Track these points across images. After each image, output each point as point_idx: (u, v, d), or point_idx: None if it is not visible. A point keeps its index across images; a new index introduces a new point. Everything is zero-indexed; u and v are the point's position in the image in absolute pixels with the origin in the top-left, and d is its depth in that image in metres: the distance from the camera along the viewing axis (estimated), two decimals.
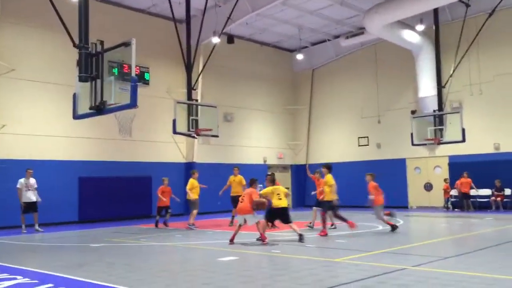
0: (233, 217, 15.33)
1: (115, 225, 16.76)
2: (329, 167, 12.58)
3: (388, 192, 23.02)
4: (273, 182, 11.49)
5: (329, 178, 12.28)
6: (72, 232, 14.91)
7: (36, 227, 14.91)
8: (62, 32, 9.74)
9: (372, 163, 24.06)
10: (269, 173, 14.60)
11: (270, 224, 11.70)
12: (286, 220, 11.10)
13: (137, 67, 19.14)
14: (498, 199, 19.75)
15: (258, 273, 7.32)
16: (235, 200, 15.34)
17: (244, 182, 15.57)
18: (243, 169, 23.01)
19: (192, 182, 15.20)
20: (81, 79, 9.82)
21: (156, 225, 15.46)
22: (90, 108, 9.92)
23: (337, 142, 25.82)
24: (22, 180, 14.94)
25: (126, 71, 10.30)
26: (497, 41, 20.44)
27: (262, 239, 10.61)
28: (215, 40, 19.82)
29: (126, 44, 9.54)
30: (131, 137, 19.82)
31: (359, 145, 24.94)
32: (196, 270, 7.62)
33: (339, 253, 9.05)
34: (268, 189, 11.23)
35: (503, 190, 19.81)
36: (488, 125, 20.58)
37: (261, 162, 25.08)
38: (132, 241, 11.90)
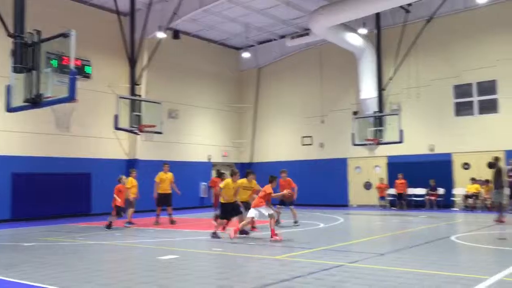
0: (157, 215, 14.98)
1: (51, 223, 16.09)
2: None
3: (330, 191, 23.81)
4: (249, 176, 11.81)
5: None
6: (3, 230, 14.16)
7: None
8: None
9: (315, 162, 24.56)
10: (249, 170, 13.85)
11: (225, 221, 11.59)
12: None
13: (78, 60, 18.66)
14: (432, 198, 20.69)
15: (198, 271, 7.25)
16: (162, 198, 15.10)
17: (173, 179, 15.28)
18: (188, 166, 22.91)
19: (131, 181, 14.84)
20: (16, 70, 9.37)
21: (109, 226, 14.08)
22: (25, 101, 9.49)
23: (281, 141, 26.11)
24: None
25: (66, 63, 9.95)
26: (434, 47, 21.39)
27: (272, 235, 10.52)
28: (161, 35, 19.48)
29: (65, 35, 9.18)
30: (69, 132, 19.10)
31: (303, 144, 25.34)
32: (134, 269, 7.46)
33: (280, 251, 9.14)
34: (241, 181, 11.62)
35: (437, 190, 20.77)
36: (424, 127, 21.52)
37: (206, 160, 24.93)
38: (69, 240, 11.47)
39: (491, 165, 14.66)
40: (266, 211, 10.77)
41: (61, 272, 7.15)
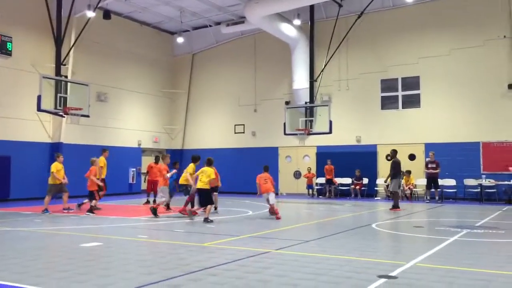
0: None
1: None
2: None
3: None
4: (209, 164, 12.36)
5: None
6: None
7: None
8: None
9: (247, 150, 24.72)
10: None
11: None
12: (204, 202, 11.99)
13: None
14: (357, 187, 21.52)
15: (122, 258, 7.07)
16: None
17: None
18: (117, 152, 22.19)
19: (56, 165, 14.13)
20: None
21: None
22: None
23: (214, 129, 26.02)
24: None
25: None
26: (363, 41, 22.14)
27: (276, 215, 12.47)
28: (90, 14, 18.69)
29: None
30: None
31: (235, 132, 25.41)
32: (54, 257, 7.15)
33: (208, 238, 9.13)
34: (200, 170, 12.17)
35: (362, 179, 21.64)
36: (352, 119, 22.29)
37: (136, 146, 24.35)
38: None
39: (391, 157, 15.90)
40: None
41: None
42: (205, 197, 11.99)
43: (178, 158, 25.46)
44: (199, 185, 11.92)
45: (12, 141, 18.81)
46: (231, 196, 21.43)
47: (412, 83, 21.24)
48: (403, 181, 20.46)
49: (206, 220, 11.53)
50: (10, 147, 18.67)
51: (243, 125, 25.27)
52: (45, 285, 5.31)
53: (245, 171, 24.29)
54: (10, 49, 18.71)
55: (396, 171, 15.36)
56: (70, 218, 12.69)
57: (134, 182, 23.70)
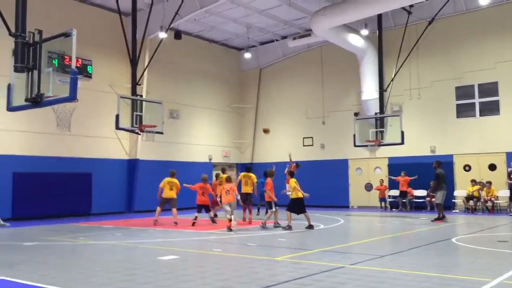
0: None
1: (52, 223, 16.09)
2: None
3: (330, 192, 23.76)
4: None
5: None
6: (4, 229, 14.16)
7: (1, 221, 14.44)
8: None
9: (316, 163, 24.52)
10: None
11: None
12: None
13: (79, 60, 18.71)
14: (433, 199, 20.58)
15: (199, 271, 7.25)
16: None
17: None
18: (188, 167, 22.83)
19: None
20: (17, 69, 9.36)
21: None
22: (26, 100, 9.47)
23: (282, 142, 26.08)
24: None
25: (67, 63, 9.97)
26: (435, 48, 21.37)
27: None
28: (162, 35, 19.51)
29: (67, 35, 9.18)
30: (70, 131, 19.07)
31: (304, 145, 25.33)
32: (135, 269, 7.44)
33: (280, 252, 9.13)
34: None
35: None
36: (425, 129, 21.50)
37: (207, 160, 24.93)
38: (69, 239, 11.47)
39: (434, 169, 15.99)
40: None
41: (61, 272, 7.15)
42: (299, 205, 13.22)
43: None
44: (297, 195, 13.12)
45: (93, 159, 19.93)
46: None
47: (490, 89, 20.17)
48: (483, 193, 19.45)
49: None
50: (91, 164, 19.78)
51: (312, 137, 25.14)
52: None
53: (314, 184, 24.06)
54: (90, 72, 19.93)
55: (439, 183, 15.45)
56: (148, 231, 13.18)
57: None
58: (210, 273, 7.08)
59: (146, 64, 20.13)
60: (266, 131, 18.35)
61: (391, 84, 21.30)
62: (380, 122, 20.47)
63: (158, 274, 6.95)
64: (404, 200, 21.01)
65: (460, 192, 20.51)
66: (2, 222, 14.39)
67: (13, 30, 9.36)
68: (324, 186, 23.90)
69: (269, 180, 13.82)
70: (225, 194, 13.05)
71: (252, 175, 15.55)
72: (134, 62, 19.06)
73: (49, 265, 7.76)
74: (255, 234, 12.21)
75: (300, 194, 13.07)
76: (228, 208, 12.84)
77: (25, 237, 12.15)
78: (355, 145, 20.59)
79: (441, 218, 15.19)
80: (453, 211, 20.14)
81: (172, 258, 8.36)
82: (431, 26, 19.91)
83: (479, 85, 20.40)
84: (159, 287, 6.04)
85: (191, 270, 7.33)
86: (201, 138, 24.89)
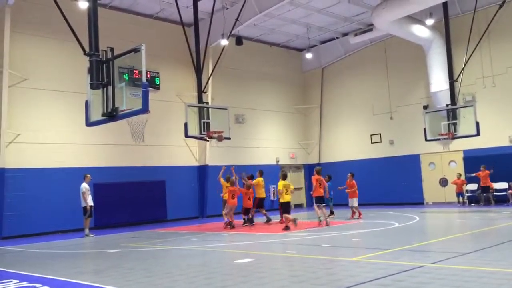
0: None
1: (131, 230, 16.85)
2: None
3: (403, 189, 23.07)
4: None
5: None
6: (88, 238, 14.99)
7: (87, 231, 15.35)
8: (72, 40, 9.82)
9: (385, 160, 23.94)
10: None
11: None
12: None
13: (147, 72, 19.44)
14: None
15: (275, 274, 7.29)
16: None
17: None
18: (256, 169, 23.03)
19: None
20: (93, 87, 9.89)
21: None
22: (103, 115, 9.98)
23: (349, 140, 25.69)
24: (86, 185, 15.35)
25: (137, 76, 10.38)
26: (509, 32, 20.19)
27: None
28: (224, 42, 19.85)
29: (136, 50, 9.60)
30: (144, 142, 19.84)
31: (372, 142, 24.79)
32: (213, 273, 7.62)
33: (356, 252, 8.99)
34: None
35: None
36: (502, 118, 20.34)
37: (274, 163, 25.04)
38: (149, 245, 11.94)
39: None
40: None
41: (145, 277, 7.46)
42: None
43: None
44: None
45: (166, 166, 20.64)
46: (373, 208, 20.85)
47: None
48: None
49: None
50: (164, 172, 20.50)
51: (379, 134, 24.55)
52: None
53: (385, 181, 23.54)
54: (158, 83, 20.68)
55: None
56: (222, 235, 13.45)
57: (275, 198, 24.31)
58: (286, 275, 7.10)
59: (210, 71, 20.55)
60: (220, 138, 17.29)
61: (461, 74, 20.32)
62: (452, 114, 19.57)
63: (235, 277, 7.08)
64: (486, 194, 19.92)
65: None
66: (88, 233, 15.26)
67: (87, 49, 9.92)
68: (396, 183, 23.26)
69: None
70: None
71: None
72: (198, 70, 19.50)
73: (133, 271, 8.12)
74: (328, 235, 12.10)
75: (287, 198, 13.88)
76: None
77: (108, 244, 12.80)
78: (426, 139, 19.83)
79: None
80: None
81: (247, 261, 8.47)
82: (502, 9, 18.82)
83: None
84: None
85: (267, 273, 7.39)
86: (267, 140, 25.05)
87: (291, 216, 13.86)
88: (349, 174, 16.82)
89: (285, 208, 13.98)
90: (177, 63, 21.43)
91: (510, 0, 18.94)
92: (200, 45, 19.83)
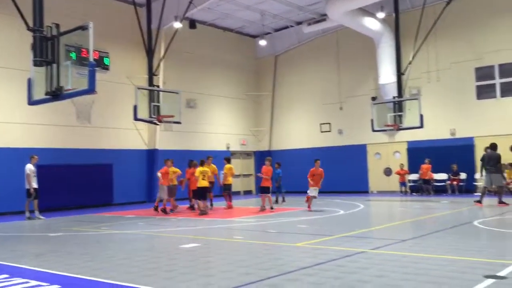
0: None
1: (75, 214, 16.40)
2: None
3: (349, 177, 23.69)
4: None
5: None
6: (30, 221, 14.47)
7: (28, 214, 14.73)
8: (15, 14, 9.36)
9: (334, 149, 24.45)
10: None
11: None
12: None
13: (96, 52, 18.84)
14: (454, 183, 20.44)
15: (220, 259, 7.33)
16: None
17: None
18: (207, 155, 22.96)
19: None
20: (36, 64, 9.52)
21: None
22: (46, 94, 9.63)
23: (299, 129, 26.04)
24: (31, 167, 14.60)
25: (85, 55, 10.04)
26: (454, 29, 20.98)
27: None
28: (177, 25, 19.53)
29: (83, 28, 9.28)
30: (90, 123, 19.36)
31: (321, 131, 25.23)
32: (158, 258, 7.57)
33: (301, 238, 9.16)
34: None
35: (459, 174, 20.52)
36: (444, 112, 21.21)
37: (224, 149, 25.01)
38: (93, 229, 11.68)
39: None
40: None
41: (86, 261, 7.30)
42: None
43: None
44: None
45: (113, 150, 20.16)
46: (320, 196, 21.27)
47: (510, 69, 19.76)
48: (506, 175, 19.15)
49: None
50: (112, 155, 20.02)
51: (329, 123, 25.02)
52: (154, 285, 5.63)
53: (332, 170, 24.01)
54: (107, 64, 20.08)
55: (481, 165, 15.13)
56: (169, 220, 13.35)
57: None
58: (231, 260, 7.16)
59: (162, 54, 20.19)
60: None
61: (409, 68, 21.00)
62: (398, 106, 20.24)
63: (180, 261, 7.06)
64: (426, 185, 20.81)
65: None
66: (38, 215, 14.74)
67: (31, 25, 9.49)
68: (343, 172, 23.82)
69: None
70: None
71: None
72: (150, 52, 19.16)
73: (75, 255, 7.93)
74: (275, 221, 12.27)
75: (204, 183, 14.37)
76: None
77: (50, 228, 12.41)
78: (373, 130, 20.44)
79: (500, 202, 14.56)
80: (475, 194, 19.91)
81: (194, 246, 8.46)
82: (449, 6, 19.51)
83: (500, 65, 20.00)
84: (182, 274, 6.13)
85: (212, 258, 7.43)
86: (219, 126, 24.97)
87: (202, 203, 14.52)
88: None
89: (200, 194, 14.46)
90: (128, 44, 20.86)
91: None
92: (152, 27, 19.45)
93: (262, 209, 14.73)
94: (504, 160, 19.27)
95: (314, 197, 14.71)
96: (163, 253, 8.01)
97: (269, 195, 14.97)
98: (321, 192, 22.89)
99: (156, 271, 6.45)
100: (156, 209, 15.64)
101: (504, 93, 19.96)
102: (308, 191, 14.74)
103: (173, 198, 15.70)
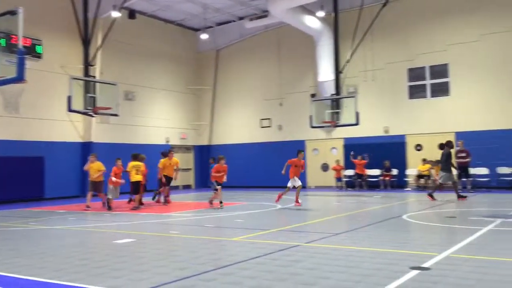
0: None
1: (2, 208, 15.55)
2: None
3: (287, 172, 23.95)
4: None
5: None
6: None
7: None
8: None
9: (273, 144, 24.72)
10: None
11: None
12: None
13: (28, 39, 17.96)
14: (387, 178, 21.30)
15: (155, 254, 7.21)
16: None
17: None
18: (145, 149, 22.55)
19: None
20: None
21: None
22: None
23: (240, 123, 26.11)
24: None
25: (15, 42, 9.52)
26: (389, 31, 21.80)
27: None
28: (115, 14, 18.96)
29: (13, 13, 8.83)
30: (19, 113, 18.41)
31: (262, 127, 25.44)
32: (89, 253, 7.33)
33: (238, 233, 9.20)
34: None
35: (391, 170, 21.40)
36: (379, 110, 22.03)
37: (164, 143, 24.62)
38: (20, 225, 11.14)
39: (441, 147, 15.35)
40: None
41: (13, 257, 6.95)
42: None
43: (205, 154, 25.76)
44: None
45: (45, 142, 19.31)
46: (259, 190, 21.51)
47: (440, 71, 20.83)
48: (434, 171, 20.20)
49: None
50: (44, 148, 19.18)
51: (269, 119, 25.28)
52: (82, 281, 5.45)
53: (272, 165, 24.31)
54: (40, 52, 19.15)
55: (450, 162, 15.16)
56: (102, 215, 12.98)
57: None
58: (166, 255, 7.07)
59: (99, 44, 19.54)
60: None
61: (346, 66, 21.61)
62: (336, 103, 20.80)
63: (113, 257, 6.87)
64: (359, 180, 21.57)
65: (411, 171, 21.23)
66: None
67: None
68: (281, 167, 24.06)
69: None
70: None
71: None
72: (86, 42, 18.53)
73: (1, 251, 7.52)
74: (213, 216, 12.25)
75: (137, 178, 14.28)
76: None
77: None
78: (311, 126, 20.88)
79: (461, 196, 14.97)
80: (405, 189, 20.86)
81: (128, 241, 8.27)
82: (386, 8, 20.25)
83: (431, 67, 21.03)
84: (114, 270, 5.98)
85: (147, 253, 7.29)
86: (158, 120, 24.54)
87: (138, 197, 14.37)
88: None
89: (135, 188, 14.27)
90: (64, 33, 19.99)
91: (392, 0, 20.39)
92: (90, 15, 18.79)
93: (214, 203, 14.38)
94: (433, 157, 20.41)
95: (289, 188, 14.32)
96: (95, 249, 7.77)
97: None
98: (260, 187, 23.23)
99: (86, 267, 6.24)
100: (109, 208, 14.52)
101: (434, 94, 21.01)
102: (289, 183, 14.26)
103: (105, 194, 14.90)
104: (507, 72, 19.27)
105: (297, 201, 13.85)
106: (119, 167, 14.47)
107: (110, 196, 14.20)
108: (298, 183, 14.07)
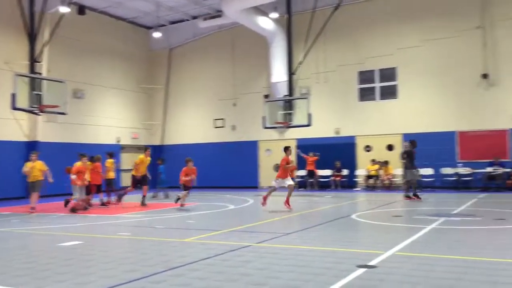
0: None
1: None
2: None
3: (241, 173, 24.12)
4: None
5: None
6: None
7: None
8: None
9: (227, 144, 24.70)
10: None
11: None
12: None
13: None
14: (337, 178, 21.74)
15: (103, 256, 7.03)
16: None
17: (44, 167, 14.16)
18: (96, 149, 21.97)
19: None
20: None
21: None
22: None
23: (193, 123, 25.92)
24: None
25: None
26: (341, 34, 22.26)
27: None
28: (63, 9, 18.35)
29: None
30: None
31: (215, 127, 25.35)
32: (34, 256, 7.06)
33: (189, 233, 9.13)
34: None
35: (342, 171, 21.86)
36: (331, 111, 22.45)
37: (115, 142, 24.07)
38: None
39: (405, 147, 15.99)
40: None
41: None
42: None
43: (158, 154, 25.34)
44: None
45: None
46: (211, 191, 21.41)
47: (389, 74, 21.48)
48: (382, 172, 20.82)
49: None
50: None
51: (223, 119, 25.23)
52: (25, 286, 5.25)
53: (225, 166, 24.34)
54: None
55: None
56: (48, 217, 12.54)
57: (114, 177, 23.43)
58: (115, 257, 6.91)
59: (45, 40, 18.85)
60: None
61: (299, 68, 21.87)
62: (289, 104, 21.01)
63: (59, 261, 6.65)
64: (311, 180, 21.89)
65: (361, 171, 21.77)
66: None
67: None
68: (235, 167, 24.23)
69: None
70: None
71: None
72: (32, 37, 17.84)
73: None
74: (164, 217, 12.10)
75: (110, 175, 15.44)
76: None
77: None
78: (264, 127, 21.00)
79: (410, 196, 15.28)
80: (355, 189, 21.36)
81: (74, 244, 8.03)
82: (338, 12, 20.64)
83: (380, 70, 21.64)
84: (60, 274, 5.79)
85: (95, 255, 7.10)
86: (109, 119, 23.95)
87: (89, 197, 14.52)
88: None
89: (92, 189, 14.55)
90: (8, 27, 19.14)
91: (344, 4, 20.83)
92: (36, 10, 18.10)
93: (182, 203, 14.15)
94: (380, 158, 21.05)
95: (275, 189, 13.85)
96: (40, 252, 7.50)
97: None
98: (213, 187, 23.13)
99: (30, 271, 6.01)
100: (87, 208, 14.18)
101: (382, 96, 21.63)
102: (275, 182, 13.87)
103: (38, 193, 14.23)
104: (450, 77, 20.11)
105: (287, 203, 13.43)
106: (85, 164, 13.99)
107: (77, 196, 13.62)
108: (276, 184, 13.74)
